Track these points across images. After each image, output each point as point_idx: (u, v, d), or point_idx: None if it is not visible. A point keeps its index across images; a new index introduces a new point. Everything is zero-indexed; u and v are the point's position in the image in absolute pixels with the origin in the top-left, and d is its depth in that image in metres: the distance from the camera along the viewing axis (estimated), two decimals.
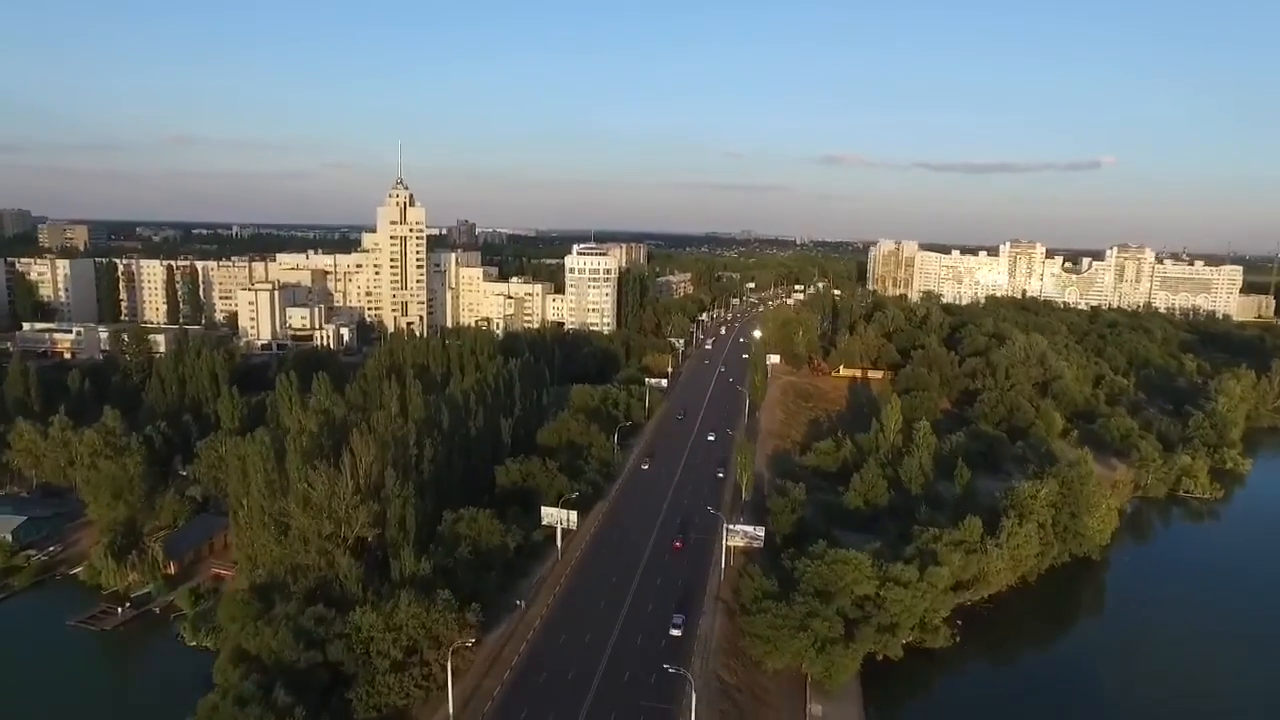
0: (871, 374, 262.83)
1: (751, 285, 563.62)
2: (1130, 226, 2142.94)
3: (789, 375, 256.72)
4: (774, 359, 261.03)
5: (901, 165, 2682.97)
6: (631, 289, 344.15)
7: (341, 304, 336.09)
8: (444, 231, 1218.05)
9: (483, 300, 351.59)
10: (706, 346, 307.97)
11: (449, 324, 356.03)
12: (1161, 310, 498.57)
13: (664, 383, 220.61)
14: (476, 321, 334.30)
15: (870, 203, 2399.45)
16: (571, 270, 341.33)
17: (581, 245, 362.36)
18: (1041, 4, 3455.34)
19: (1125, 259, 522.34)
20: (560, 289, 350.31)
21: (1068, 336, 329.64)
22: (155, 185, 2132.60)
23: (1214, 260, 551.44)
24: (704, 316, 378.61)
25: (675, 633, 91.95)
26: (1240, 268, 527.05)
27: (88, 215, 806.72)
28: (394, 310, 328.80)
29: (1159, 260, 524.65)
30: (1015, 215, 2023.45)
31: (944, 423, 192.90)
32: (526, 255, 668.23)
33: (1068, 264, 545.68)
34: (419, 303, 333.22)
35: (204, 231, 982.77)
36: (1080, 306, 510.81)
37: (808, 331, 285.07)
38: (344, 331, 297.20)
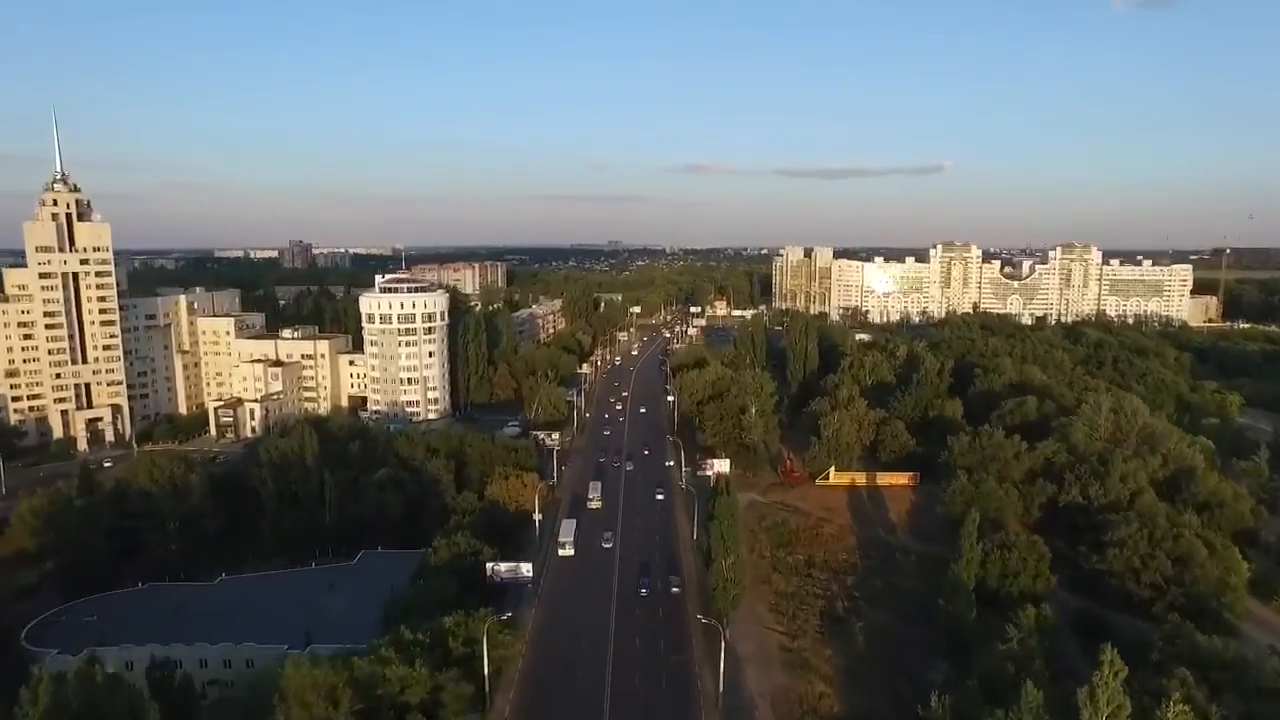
0: (885, 479, 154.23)
1: (636, 310, 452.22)
2: (969, 225, 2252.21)
3: (748, 493, 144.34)
4: (719, 465, 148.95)
5: (761, 172, 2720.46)
6: (473, 339, 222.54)
7: None
8: (275, 254, 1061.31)
9: (235, 369, 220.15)
10: (605, 432, 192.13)
11: (182, 407, 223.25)
12: (1113, 318, 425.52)
13: (526, 569, 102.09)
14: (217, 409, 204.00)
15: (733, 209, 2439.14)
16: (371, 318, 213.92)
17: (388, 276, 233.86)
18: (884, 17, 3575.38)
19: (1070, 260, 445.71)
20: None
21: (1074, 372, 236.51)
22: None
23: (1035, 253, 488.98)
24: (586, 368, 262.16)
25: None
26: (1190, 267, 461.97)
27: None
28: (60, 400, 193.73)
29: (1105, 261, 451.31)
30: (868, 218, 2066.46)
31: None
32: (353, 282, 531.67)
33: (1008, 269, 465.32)
34: (111, 384, 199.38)
35: None
36: (1023, 318, 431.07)
37: (761, 404, 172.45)
38: None
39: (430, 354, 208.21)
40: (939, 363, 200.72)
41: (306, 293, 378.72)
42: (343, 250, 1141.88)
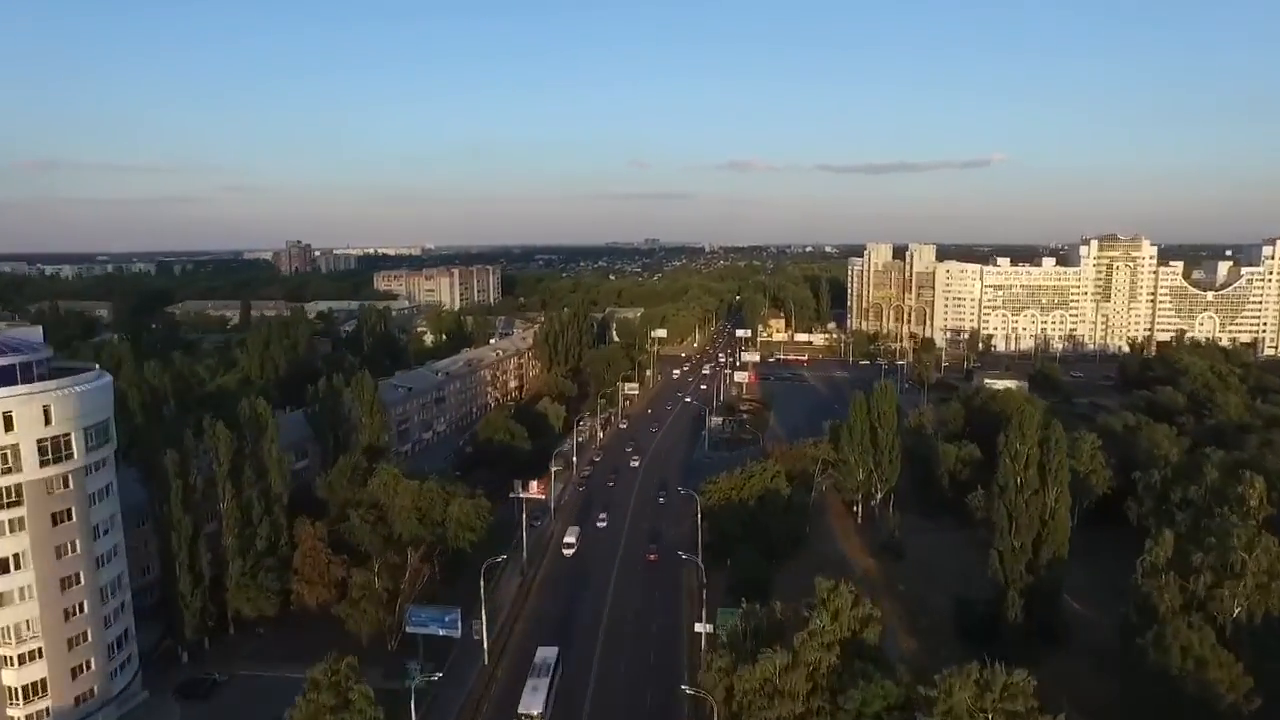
0: None
1: (661, 334, 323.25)
2: (1022, 221, 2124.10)
3: None
4: None
5: (805, 169, 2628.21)
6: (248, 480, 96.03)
7: None
8: (269, 257, 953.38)
9: None
10: None
11: None
12: None
13: None
14: None
15: (776, 207, 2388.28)
16: None
17: None
18: (926, 10, 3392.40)
19: None
20: None
21: None
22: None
23: None
24: (540, 489, 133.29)
25: None
26: None
27: None
28: None
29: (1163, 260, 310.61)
30: (917, 214, 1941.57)
31: None
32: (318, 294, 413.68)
33: (1195, 275, 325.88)
34: None
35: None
36: (1223, 343, 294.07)
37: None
38: None
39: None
40: None
41: None
42: (350, 250, 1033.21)
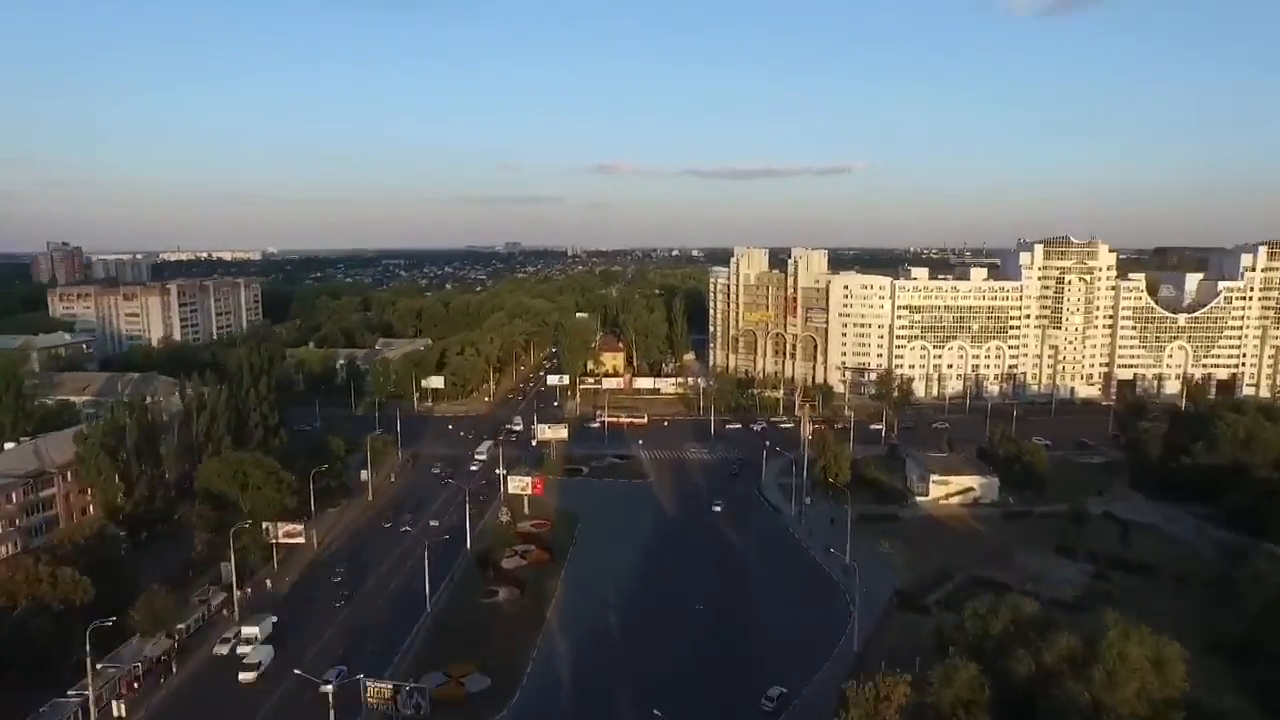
0: None
1: (436, 384, 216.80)
2: (883, 227, 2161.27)
3: None
4: None
5: (671, 173, 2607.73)
6: None
7: None
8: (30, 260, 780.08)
9: None
10: None
11: None
12: None
13: None
14: None
15: (642, 210, 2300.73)
16: None
17: None
18: (795, 23, 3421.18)
19: None
20: None
21: None
22: None
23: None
24: None
25: None
26: None
27: None
28: None
29: None
30: (777, 218, 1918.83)
31: None
32: None
33: (1163, 292, 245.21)
34: None
35: None
36: (1196, 379, 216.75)
37: None
38: None
39: None
40: None
41: None
42: (134, 256, 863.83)
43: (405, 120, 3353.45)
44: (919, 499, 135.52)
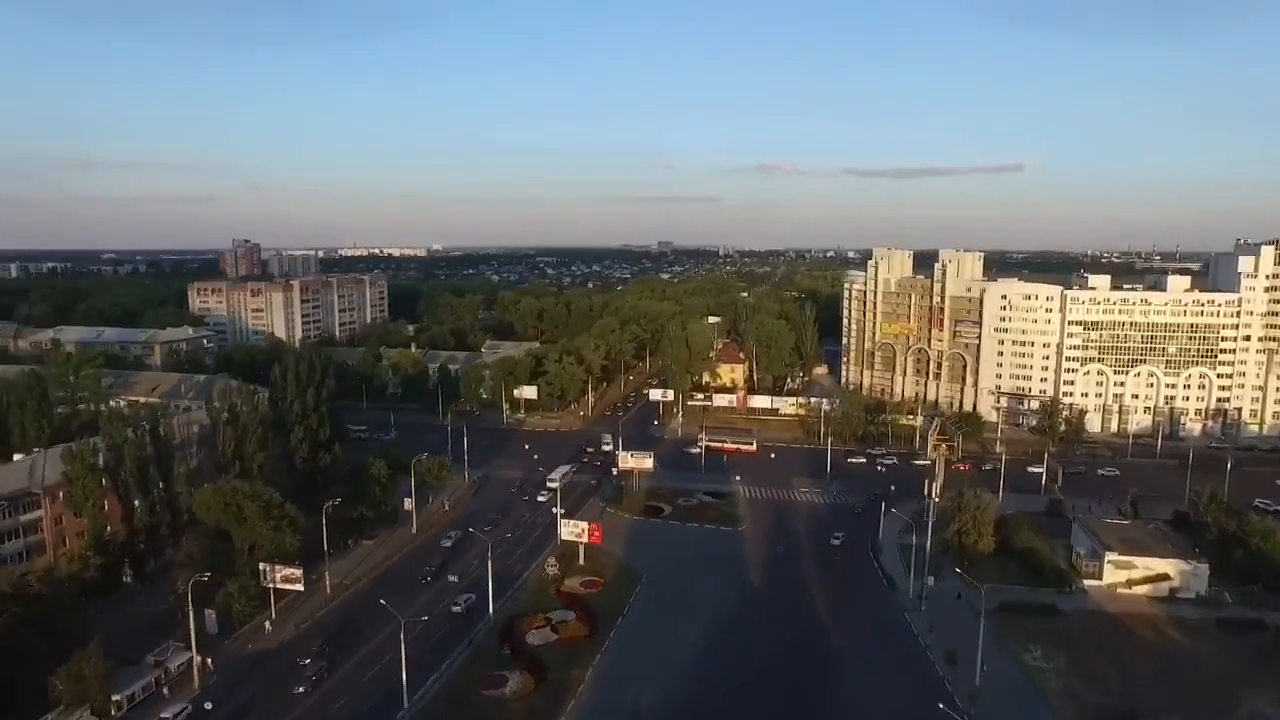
0: None
1: (529, 395, 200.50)
2: (1055, 228, 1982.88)
3: None
4: None
5: (830, 172, 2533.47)
6: None
7: None
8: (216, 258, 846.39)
9: None
10: None
11: None
12: None
13: None
14: None
15: (800, 210, 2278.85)
16: None
17: None
18: (960, 15, 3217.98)
19: None
20: None
21: None
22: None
23: None
24: None
25: None
26: None
27: None
28: None
29: None
30: (944, 219, 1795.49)
31: None
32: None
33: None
34: None
35: None
36: None
37: None
38: None
39: None
40: None
41: None
42: (297, 251, 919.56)
43: (565, 120, 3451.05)
44: (1087, 582, 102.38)
